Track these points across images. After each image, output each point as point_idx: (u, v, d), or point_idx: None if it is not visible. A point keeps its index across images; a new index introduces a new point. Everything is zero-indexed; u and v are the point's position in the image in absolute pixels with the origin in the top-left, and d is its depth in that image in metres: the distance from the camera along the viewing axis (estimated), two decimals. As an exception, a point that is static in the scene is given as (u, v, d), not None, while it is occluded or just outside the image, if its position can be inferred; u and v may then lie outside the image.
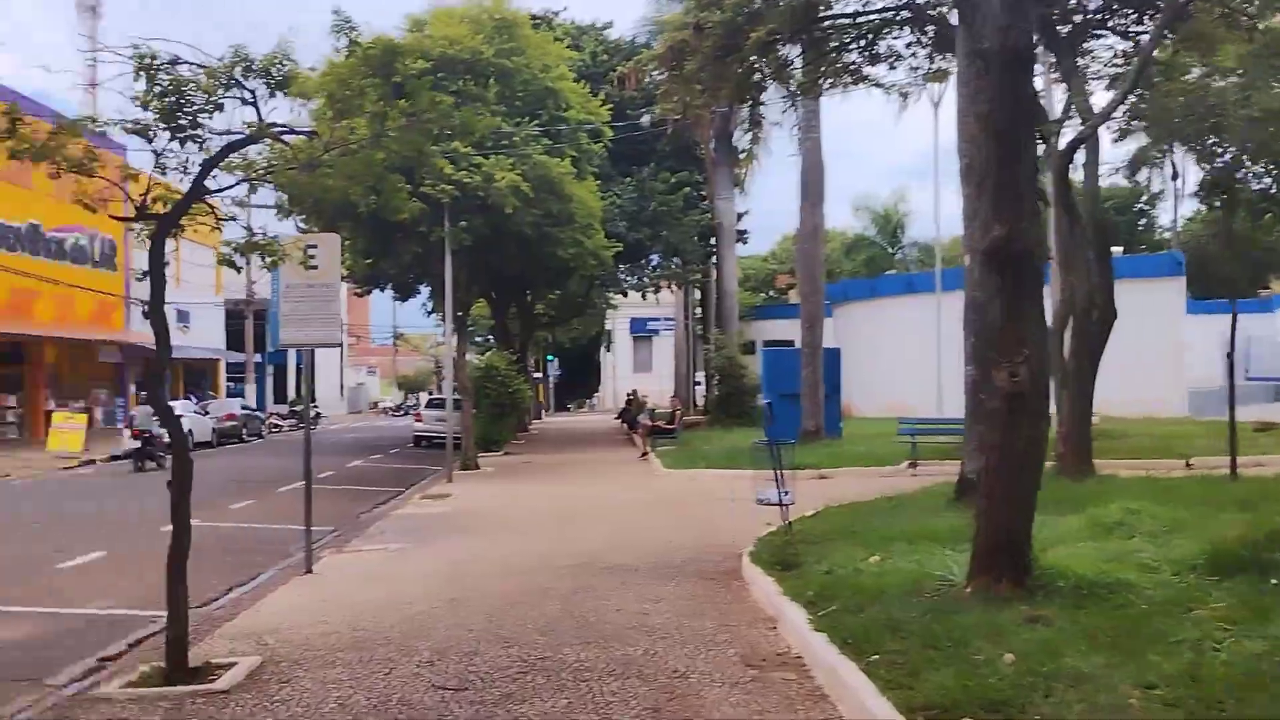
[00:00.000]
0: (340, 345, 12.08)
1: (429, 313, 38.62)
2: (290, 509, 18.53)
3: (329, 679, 7.13)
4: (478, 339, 60.47)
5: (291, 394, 75.31)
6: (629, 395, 42.85)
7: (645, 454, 26.36)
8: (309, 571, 11.46)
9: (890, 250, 51.65)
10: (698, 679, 6.95)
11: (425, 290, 34.70)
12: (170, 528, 7.76)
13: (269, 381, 77.75)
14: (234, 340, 61.93)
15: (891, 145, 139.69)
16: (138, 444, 28.06)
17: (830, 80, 18.23)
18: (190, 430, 36.18)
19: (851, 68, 17.67)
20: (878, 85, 19.08)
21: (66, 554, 13.30)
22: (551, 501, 17.72)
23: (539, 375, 62.82)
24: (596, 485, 20.36)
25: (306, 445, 11.96)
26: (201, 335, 56.94)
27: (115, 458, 33.89)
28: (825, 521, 12.35)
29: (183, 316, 54.33)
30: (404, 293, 36.37)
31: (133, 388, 49.04)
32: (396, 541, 13.63)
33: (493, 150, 22.19)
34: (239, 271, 8.30)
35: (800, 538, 10.62)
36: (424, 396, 58.39)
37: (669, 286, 42.89)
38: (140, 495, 20.85)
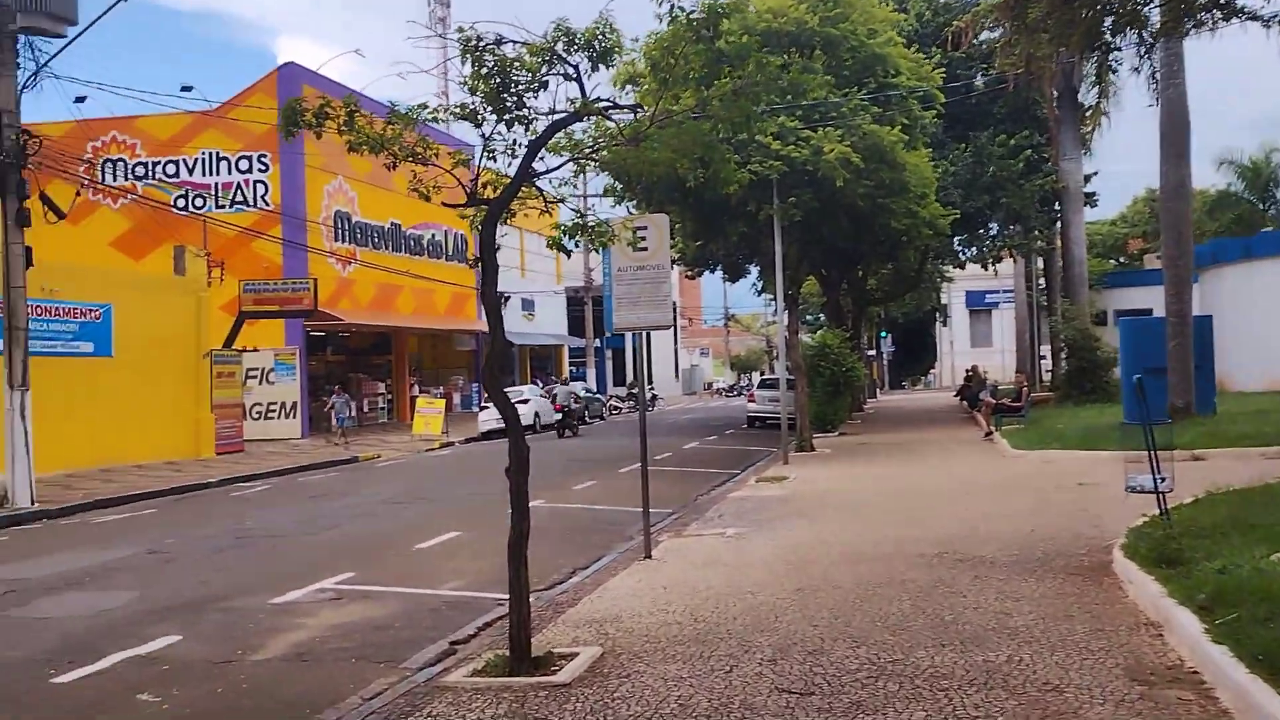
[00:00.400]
0: (672, 327, 11.97)
1: (759, 292, 38.43)
2: (630, 490, 18.73)
3: (669, 675, 6.84)
4: (809, 317, 59.93)
5: (629, 377, 77.74)
6: (968, 371, 40.99)
7: (989, 433, 24.94)
8: (648, 557, 11.35)
9: (1262, 207, 46.53)
10: (1074, 694, 6.12)
11: (754, 269, 34.52)
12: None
13: (608, 365, 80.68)
14: (575, 326, 64.49)
15: (1249, 96, 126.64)
16: (559, 416, 35.94)
17: (1195, 18, 16.27)
18: (537, 414, 37.87)
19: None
20: (1255, 18, 16.87)
21: (424, 533, 13.93)
22: (894, 484, 16.94)
23: (872, 352, 61.46)
24: (940, 467, 19.35)
25: (642, 429, 11.83)
26: (545, 322, 59.81)
27: (471, 440, 36.01)
28: (1209, 510, 10.91)
29: (528, 305, 57.24)
30: (734, 273, 36.36)
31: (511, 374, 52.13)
32: (735, 525, 13.35)
33: (820, 122, 21.54)
34: (568, 255, 8.18)
35: (1182, 529, 9.38)
36: (756, 377, 58.51)
37: (1010, 255, 40.60)
38: (495, 477, 21.79)
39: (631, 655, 7.39)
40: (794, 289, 25.08)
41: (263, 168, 36.74)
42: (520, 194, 7.07)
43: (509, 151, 6.76)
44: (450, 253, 48.11)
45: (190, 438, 29.79)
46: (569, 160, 7.07)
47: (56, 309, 25.66)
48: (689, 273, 33.39)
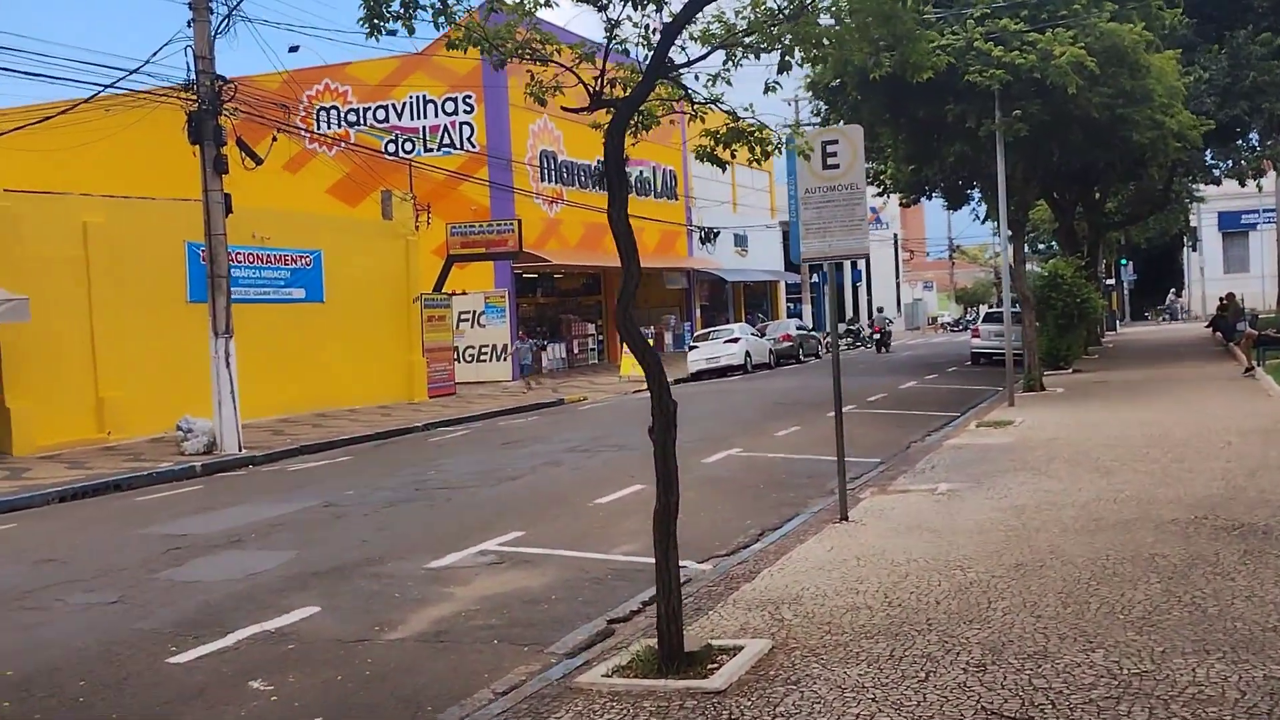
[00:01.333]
0: (865, 255, 10.32)
1: (981, 219, 35.76)
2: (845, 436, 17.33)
3: (848, 683, 5.54)
4: (1040, 246, 56.11)
5: (849, 312, 75.36)
6: (1222, 300, 37.11)
7: (1250, 369, 22.11)
8: (844, 518, 9.98)
9: None
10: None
11: (976, 195, 32.02)
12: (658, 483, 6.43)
13: (826, 301, 78.51)
14: (791, 261, 62.65)
15: None
16: (878, 336, 43.97)
17: None
18: (748, 353, 36.63)
19: None
20: None
21: (607, 486, 12.97)
22: (1138, 430, 14.88)
23: (1110, 282, 57.14)
24: (1193, 409, 17.03)
25: (835, 374, 10.41)
26: (759, 258, 58.24)
27: (680, 381, 35.12)
28: None
29: (740, 240, 55.81)
30: (954, 200, 33.87)
31: (698, 311, 51.16)
32: (949, 480, 11.79)
33: (1047, 23, 19.12)
34: (723, 169, 6.88)
35: None
36: (982, 310, 55.32)
37: (1273, 168, 36.33)
38: (692, 421, 20.74)
39: (806, 651, 6.12)
40: (1020, 213, 22.76)
41: (468, 109, 36.54)
42: (663, 97, 5.78)
43: (642, 41, 5.49)
44: (659, 189, 47.14)
45: (403, 381, 30.01)
46: (717, 48, 5.71)
47: (267, 256, 26.05)
48: (904, 200, 31.25)
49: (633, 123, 6.44)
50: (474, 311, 36.31)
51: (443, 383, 31.56)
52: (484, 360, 36.32)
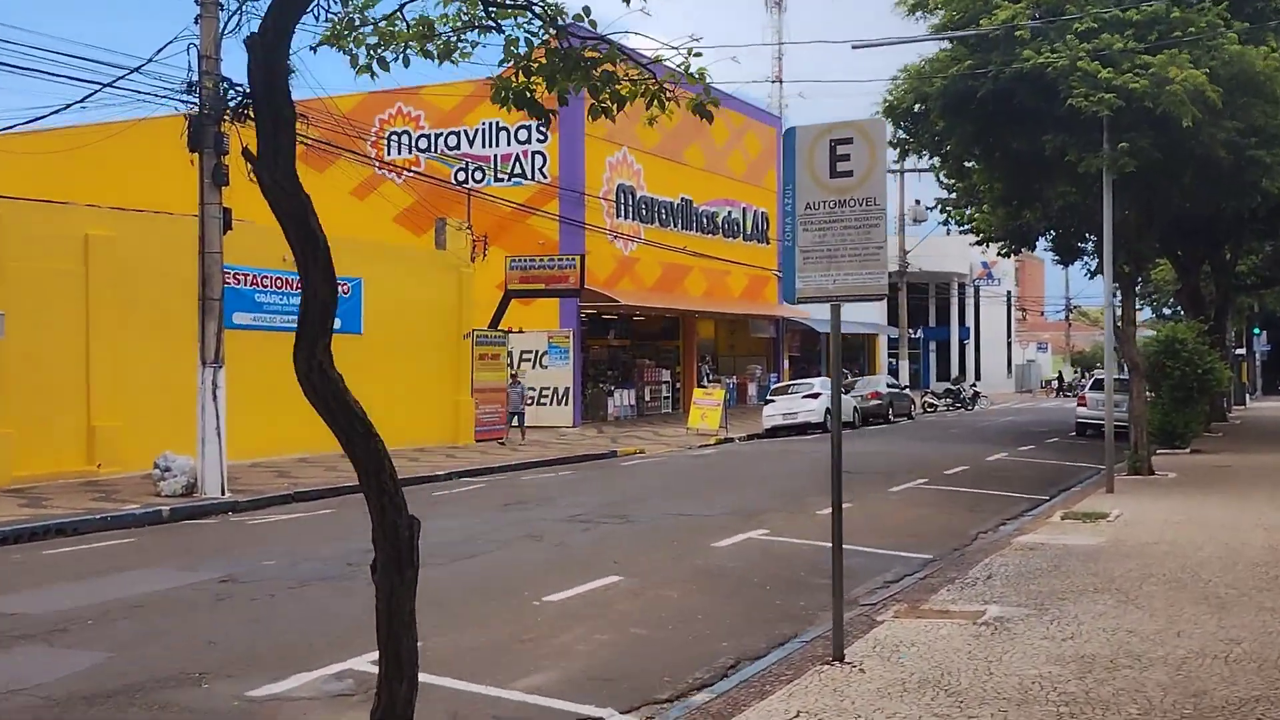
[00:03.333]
0: (883, 296, 8.08)
1: (1092, 274, 32.31)
2: (900, 519, 14.54)
3: None
4: (1165, 311, 51.96)
5: (955, 370, 71.46)
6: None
7: None
8: (838, 660, 7.25)
9: None
10: None
11: (1090, 248, 28.78)
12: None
13: (932, 357, 74.66)
14: (896, 315, 59.50)
15: None
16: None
17: None
18: (829, 410, 33.61)
19: None
20: None
21: (572, 576, 10.40)
22: (1263, 540, 11.78)
23: (1241, 351, 52.60)
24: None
25: (836, 461, 7.74)
26: (856, 309, 54.97)
27: (755, 436, 32.38)
28: None
29: (836, 289, 52.79)
30: (1064, 252, 30.67)
31: (785, 363, 48.28)
32: (1003, 600, 8.96)
33: (1160, 43, 16.10)
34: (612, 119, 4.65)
35: None
36: (1093, 375, 51.35)
37: None
38: (735, 485, 18.01)
39: None
40: (1132, 267, 19.64)
41: (541, 138, 34.54)
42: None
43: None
44: (749, 232, 44.60)
45: (448, 423, 27.90)
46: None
47: (296, 281, 24.13)
48: (1003, 250, 28.16)
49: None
50: (536, 351, 34.14)
51: (492, 425, 29.36)
52: (544, 404, 34.06)
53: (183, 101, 18.05)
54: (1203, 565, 10.25)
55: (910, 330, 68.44)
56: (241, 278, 22.90)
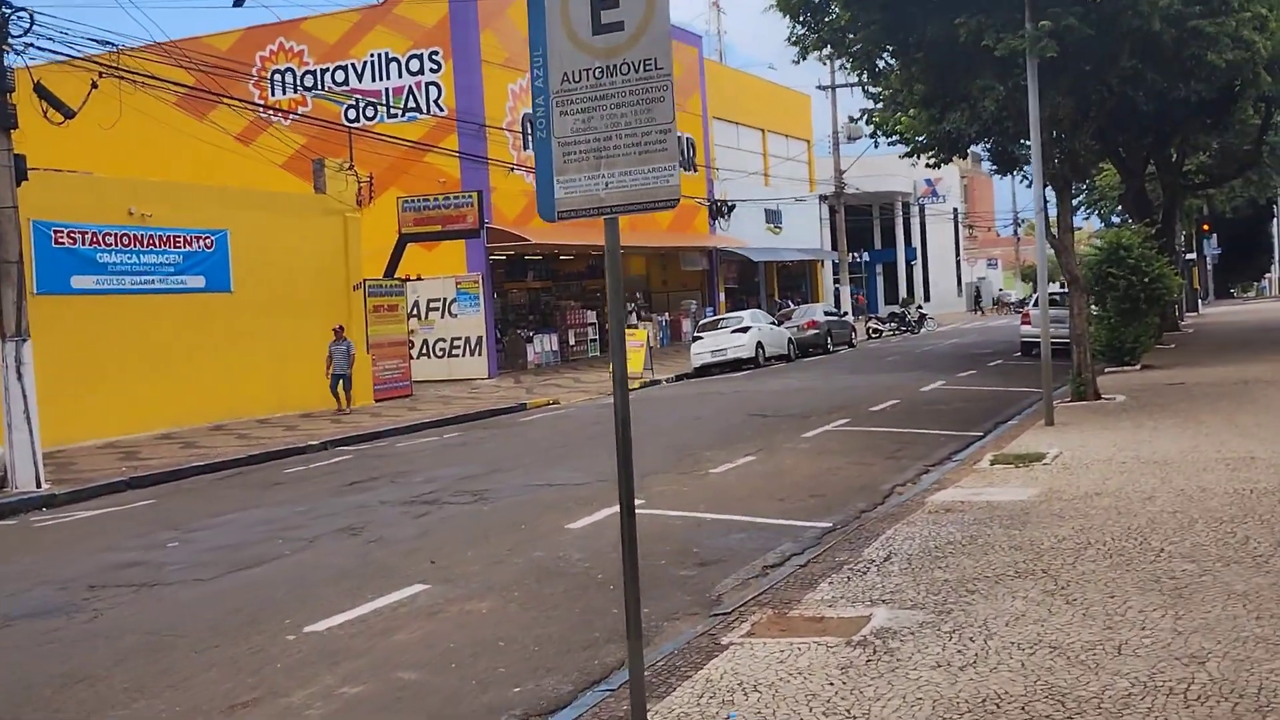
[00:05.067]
0: (675, 202, 5.59)
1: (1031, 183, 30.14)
2: (806, 473, 12.42)
3: None
4: (1114, 221, 50.04)
5: (904, 293, 69.48)
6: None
7: (1378, 368, 16.69)
8: (636, 728, 5.04)
9: None
10: None
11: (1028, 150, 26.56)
12: None
13: (879, 281, 72.61)
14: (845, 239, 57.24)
15: None
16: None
17: None
18: (760, 344, 31.57)
19: None
20: None
21: (371, 586, 8.18)
22: (1226, 479, 9.75)
23: (1191, 256, 50.92)
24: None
25: (623, 446, 5.45)
26: (797, 235, 52.67)
27: (684, 377, 30.28)
28: None
29: (773, 216, 50.30)
30: (1002, 161, 28.56)
31: (722, 295, 46.00)
32: (896, 597, 6.84)
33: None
34: None
35: None
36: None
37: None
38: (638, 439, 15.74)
39: None
40: (1067, 165, 17.45)
41: (434, 67, 31.81)
42: None
43: None
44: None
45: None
46: None
47: (149, 237, 21.56)
48: (932, 159, 25.92)
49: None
50: (444, 299, 31.70)
51: (394, 383, 27.04)
52: (456, 355, 31.72)
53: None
54: (1154, 526, 8.16)
55: (855, 254, 66.35)
56: (79, 236, 20.31)
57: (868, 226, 70.34)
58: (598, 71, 4.96)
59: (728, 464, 13.28)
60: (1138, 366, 20.86)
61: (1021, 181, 31.31)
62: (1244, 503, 8.61)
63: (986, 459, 12.03)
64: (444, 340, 31.74)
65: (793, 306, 41.64)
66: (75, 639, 7.46)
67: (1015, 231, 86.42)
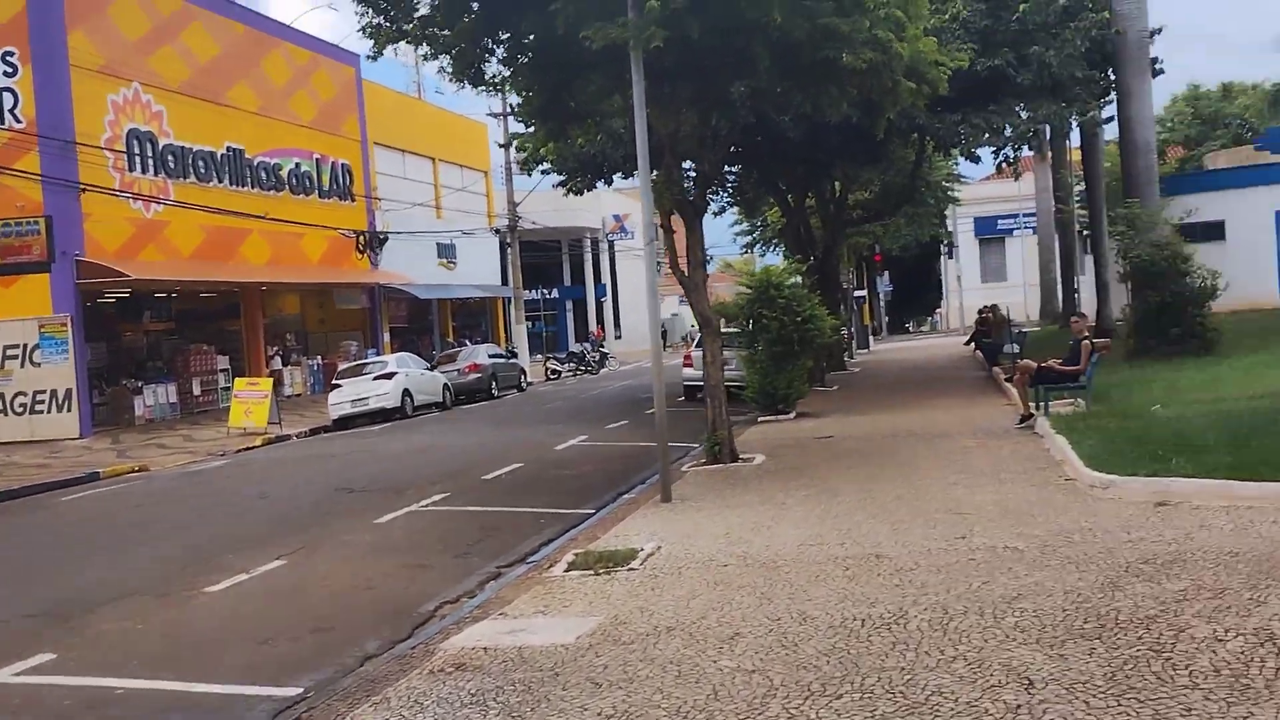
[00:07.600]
0: None
1: (719, 212, 28.26)
2: (335, 587, 9.20)
3: None
4: (786, 257, 49.87)
5: (594, 329, 67.74)
6: (982, 312, 31.09)
7: (1028, 416, 15.12)
8: None
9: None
10: None
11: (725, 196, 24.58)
12: None
13: (569, 317, 70.60)
14: (534, 275, 54.59)
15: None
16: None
17: None
18: (407, 391, 28.23)
19: None
20: None
21: None
22: (852, 588, 7.27)
23: (861, 294, 51.46)
24: (950, 521, 9.51)
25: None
26: (473, 271, 49.52)
27: (319, 430, 26.50)
28: None
29: (446, 251, 46.98)
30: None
31: (386, 336, 42.24)
32: None
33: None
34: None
35: None
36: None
37: (1030, 156, 30.51)
38: (157, 538, 11.94)
39: None
40: (696, 190, 15.16)
41: (9, 70, 26.72)
42: None
43: None
44: (326, 188, 38.18)
45: None
46: None
47: None
48: (569, 187, 23.33)
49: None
50: (25, 345, 26.56)
51: (-61, 450, 21.94)
52: (39, 411, 26.61)
53: None
54: (718, 698, 5.42)
55: (545, 291, 64.13)
56: None
57: (557, 262, 68.37)
58: None
59: (243, 574, 9.88)
60: (792, 415, 18.95)
61: (716, 214, 29.54)
62: (848, 648, 6.03)
63: (567, 557, 9.20)
64: (24, 394, 26.58)
65: (459, 348, 38.45)
66: None
67: (704, 268, 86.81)
